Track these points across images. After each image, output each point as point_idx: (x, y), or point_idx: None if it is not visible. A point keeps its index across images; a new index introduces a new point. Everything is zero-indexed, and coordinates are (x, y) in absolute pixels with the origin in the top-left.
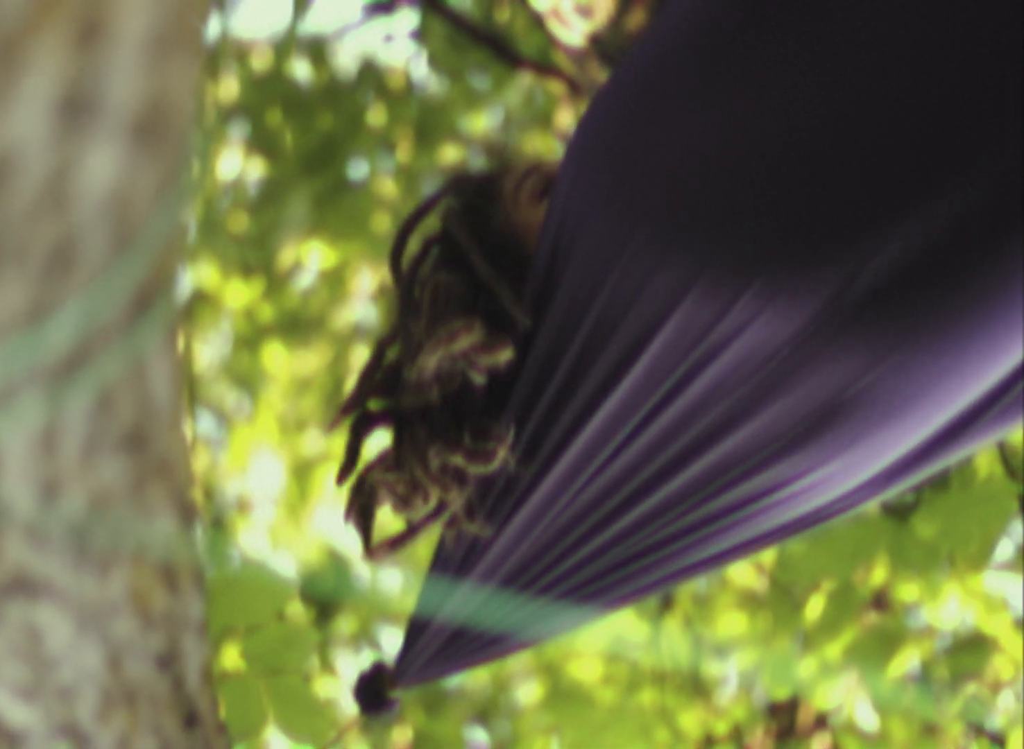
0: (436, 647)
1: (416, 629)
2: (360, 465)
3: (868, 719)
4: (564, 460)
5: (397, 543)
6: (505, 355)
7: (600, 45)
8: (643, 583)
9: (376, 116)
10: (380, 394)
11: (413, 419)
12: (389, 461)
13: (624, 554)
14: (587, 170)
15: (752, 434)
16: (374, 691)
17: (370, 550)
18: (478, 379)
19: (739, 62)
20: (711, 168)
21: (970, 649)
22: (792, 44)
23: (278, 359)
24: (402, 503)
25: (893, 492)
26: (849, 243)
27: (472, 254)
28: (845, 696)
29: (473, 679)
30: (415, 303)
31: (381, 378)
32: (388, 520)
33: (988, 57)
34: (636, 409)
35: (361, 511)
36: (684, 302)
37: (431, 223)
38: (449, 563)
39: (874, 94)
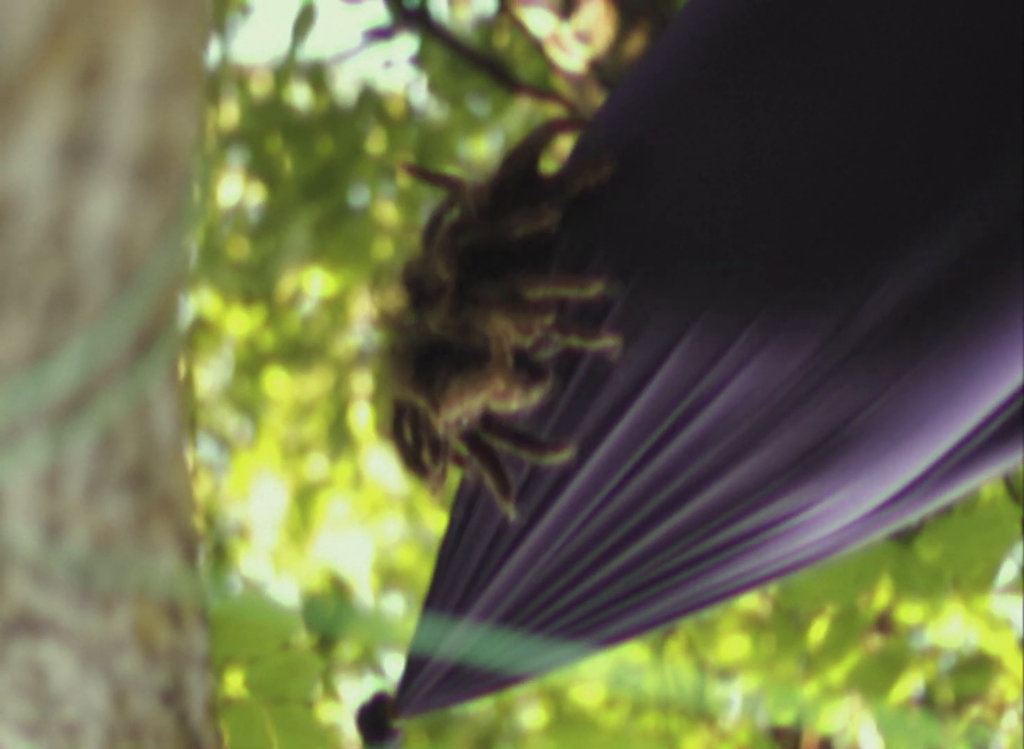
0: (437, 680)
1: (416, 662)
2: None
3: (872, 742)
4: (565, 495)
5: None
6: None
7: (599, 71)
8: (645, 616)
9: (376, 142)
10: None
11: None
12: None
13: (626, 587)
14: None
15: (758, 467)
16: (377, 721)
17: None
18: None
19: (734, 97)
20: (707, 206)
21: (974, 671)
22: (792, 77)
23: (280, 385)
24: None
25: (897, 524)
26: (850, 276)
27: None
28: (849, 719)
29: (477, 704)
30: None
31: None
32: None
33: (998, 86)
34: (638, 445)
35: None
36: (684, 340)
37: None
38: (447, 601)
39: (877, 125)
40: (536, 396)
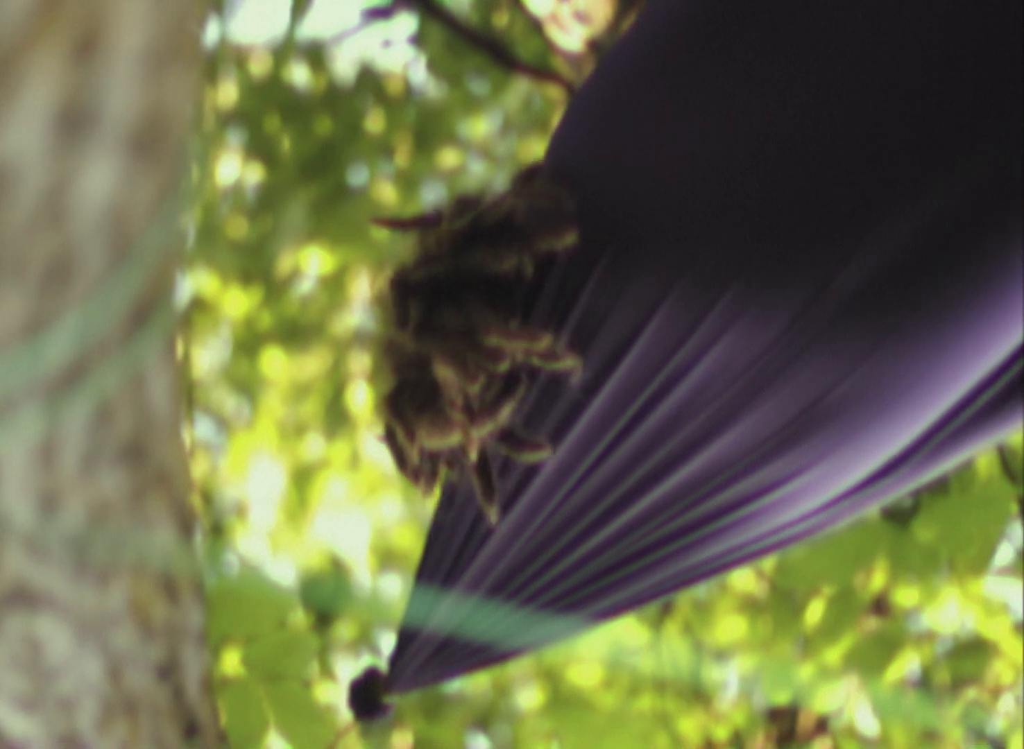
0: (427, 654)
1: (407, 636)
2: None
3: (868, 724)
4: (548, 468)
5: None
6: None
7: (598, 50)
8: (633, 591)
9: (375, 121)
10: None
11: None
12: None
13: (612, 560)
14: (564, 171)
15: (739, 438)
16: (367, 697)
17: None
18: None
19: (717, 65)
20: (686, 173)
21: (970, 653)
22: (771, 48)
23: (277, 365)
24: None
25: (891, 497)
26: (825, 246)
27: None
28: (845, 701)
29: (473, 684)
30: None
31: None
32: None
33: (970, 57)
34: (619, 416)
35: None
36: (661, 309)
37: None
38: (436, 572)
39: (853, 95)
40: (507, 410)
